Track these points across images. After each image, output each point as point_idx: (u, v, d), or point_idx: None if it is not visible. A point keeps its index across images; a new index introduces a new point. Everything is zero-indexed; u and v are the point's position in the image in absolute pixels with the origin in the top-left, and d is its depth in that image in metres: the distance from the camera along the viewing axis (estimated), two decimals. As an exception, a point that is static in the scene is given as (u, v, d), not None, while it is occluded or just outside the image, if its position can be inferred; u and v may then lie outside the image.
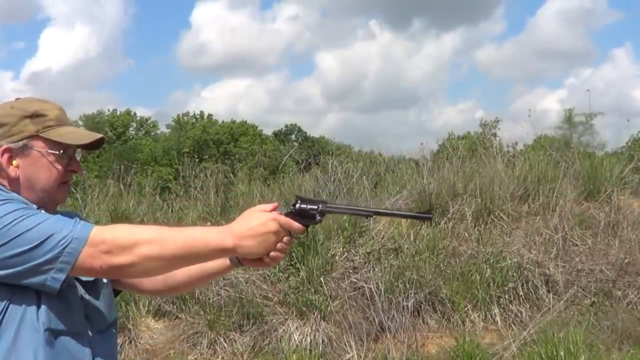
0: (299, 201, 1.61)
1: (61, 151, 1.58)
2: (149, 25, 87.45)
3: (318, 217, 1.61)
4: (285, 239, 1.56)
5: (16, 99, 1.64)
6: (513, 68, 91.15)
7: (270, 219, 1.52)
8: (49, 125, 1.58)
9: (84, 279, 1.59)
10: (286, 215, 1.57)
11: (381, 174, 7.85)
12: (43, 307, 1.45)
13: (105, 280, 1.68)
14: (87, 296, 1.59)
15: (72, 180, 1.70)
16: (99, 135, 1.65)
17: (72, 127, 1.64)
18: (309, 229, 1.63)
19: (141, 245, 1.43)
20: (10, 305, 1.44)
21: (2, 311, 1.43)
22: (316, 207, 1.61)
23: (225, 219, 6.36)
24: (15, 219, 1.40)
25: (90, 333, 1.57)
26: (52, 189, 1.59)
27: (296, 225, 1.57)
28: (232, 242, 1.49)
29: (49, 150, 1.57)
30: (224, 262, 1.75)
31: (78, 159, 1.66)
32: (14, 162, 1.55)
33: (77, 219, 1.51)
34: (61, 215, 1.55)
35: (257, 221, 1.52)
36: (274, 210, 1.56)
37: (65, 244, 1.39)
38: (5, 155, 1.55)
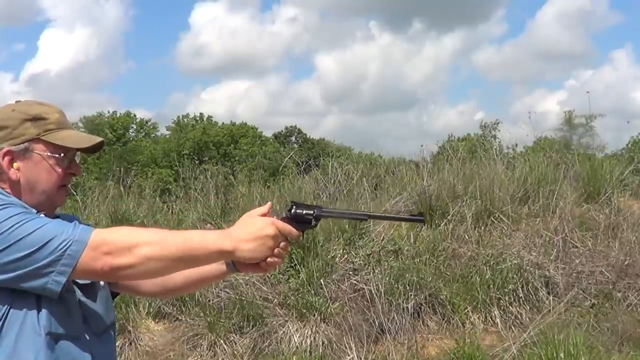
0: (294, 206, 1.65)
1: (62, 154, 1.59)
2: (149, 27, 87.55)
3: (313, 222, 1.65)
4: (282, 244, 1.58)
5: (16, 101, 1.65)
6: (513, 70, 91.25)
7: (268, 224, 1.55)
8: (49, 128, 1.59)
9: (81, 282, 1.59)
10: (282, 220, 1.60)
11: (381, 176, 7.86)
12: (43, 311, 1.46)
13: (102, 283, 1.68)
14: (84, 299, 1.59)
15: (72, 183, 1.71)
16: (99, 139, 1.66)
17: (73, 131, 1.66)
18: (304, 234, 1.67)
19: (141, 247, 1.44)
20: (11, 310, 1.44)
21: (3, 316, 1.43)
22: (312, 212, 1.65)
23: (225, 221, 6.37)
24: (15, 224, 1.40)
25: (88, 336, 1.57)
26: (52, 192, 1.59)
27: (294, 230, 1.60)
28: (231, 245, 1.51)
29: (50, 154, 1.58)
30: (220, 267, 1.77)
31: (77, 162, 1.67)
32: (15, 165, 1.56)
33: (77, 222, 1.51)
34: (61, 219, 1.55)
35: (256, 225, 1.55)
36: (268, 209, 1.60)
37: (66, 247, 1.40)
38: (6, 158, 1.55)
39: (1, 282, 1.41)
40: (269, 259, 1.58)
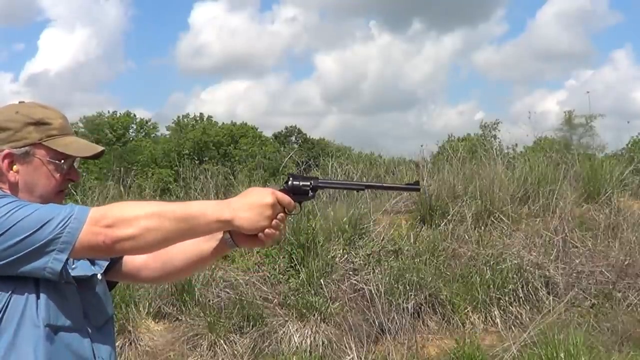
0: (291, 178, 1.68)
1: (62, 161, 1.60)
2: (148, 27, 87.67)
3: (310, 193, 1.69)
4: (279, 215, 1.60)
5: (20, 102, 1.65)
6: (513, 70, 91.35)
7: (267, 193, 1.58)
8: (52, 134, 1.59)
9: (78, 276, 1.60)
10: (280, 191, 1.63)
11: (381, 176, 7.86)
12: (42, 303, 1.47)
13: (100, 277, 1.69)
14: (83, 292, 1.60)
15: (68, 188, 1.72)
16: (101, 148, 1.67)
17: (74, 137, 1.66)
18: (302, 205, 1.71)
19: (142, 218, 1.45)
20: (12, 300, 1.44)
21: (3, 306, 1.44)
22: (308, 183, 1.69)
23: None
24: (12, 209, 1.42)
25: (89, 329, 1.58)
26: (49, 196, 1.60)
27: (292, 201, 1.63)
28: (229, 214, 1.52)
29: (50, 159, 1.58)
30: (219, 242, 1.75)
31: (76, 167, 1.68)
32: (14, 168, 1.56)
33: (72, 204, 1.52)
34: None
35: (255, 195, 1.58)
36: None
37: (65, 225, 1.41)
38: (6, 161, 1.56)
39: (2, 268, 1.41)
40: (267, 230, 1.58)
